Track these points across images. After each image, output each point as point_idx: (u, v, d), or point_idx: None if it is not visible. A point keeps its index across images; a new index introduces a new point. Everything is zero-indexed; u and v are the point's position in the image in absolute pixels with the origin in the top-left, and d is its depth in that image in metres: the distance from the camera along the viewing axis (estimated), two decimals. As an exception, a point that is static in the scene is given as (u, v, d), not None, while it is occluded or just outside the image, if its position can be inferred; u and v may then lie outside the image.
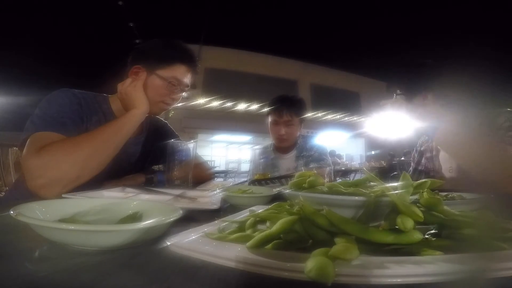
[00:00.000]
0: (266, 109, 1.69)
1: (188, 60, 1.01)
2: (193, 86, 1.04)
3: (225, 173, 7.36)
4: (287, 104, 1.59)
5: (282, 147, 1.66)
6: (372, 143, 12.59)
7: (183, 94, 1.04)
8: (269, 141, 1.81)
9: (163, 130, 1.19)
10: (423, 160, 1.24)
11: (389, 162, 6.92)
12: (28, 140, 0.74)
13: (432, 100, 0.98)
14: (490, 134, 0.84)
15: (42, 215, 0.36)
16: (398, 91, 1.06)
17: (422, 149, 1.26)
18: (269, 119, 1.65)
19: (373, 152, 11.68)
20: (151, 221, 0.32)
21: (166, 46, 1.01)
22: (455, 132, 0.85)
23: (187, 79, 1.02)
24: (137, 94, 0.91)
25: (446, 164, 1.07)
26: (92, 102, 0.93)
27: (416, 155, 1.30)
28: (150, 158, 1.12)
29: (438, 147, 1.14)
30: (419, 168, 1.24)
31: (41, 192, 0.67)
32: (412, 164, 1.32)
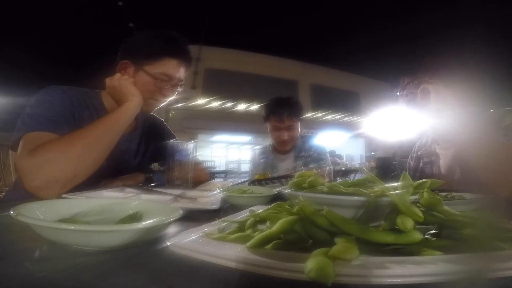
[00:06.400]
0: (264, 113, 1.65)
1: (179, 53, 0.94)
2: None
3: (225, 174, 7.36)
4: (287, 108, 1.57)
5: (284, 149, 1.66)
6: (372, 144, 12.58)
7: (178, 89, 0.98)
8: (268, 141, 1.81)
9: (160, 129, 1.17)
10: (420, 166, 1.20)
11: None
12: (21, 141, 0.73)
13: (443, 87, 0.96)
14: (497, 135, 0.83)
15: (42, 215, 0.36)
16: (400, 89, 1.04)
17: (419, 153, 1.22)
18: (269, 124, 1.63)
19: (373, 153, 11.68)
20: (151, 221, 0.32)
21: (154, 39, 0.93)
22: (460, 131, 0.84)
23: (180, 73, 0.95)
24: (128, 87, 0.87)
25: (452, 168, 1.05)
26: (83, 98, 0.90)
27: (411, 162, 1.26)
28: (148, 156, 1.11)
29: (437, 151, 1.12)
30: (417, 174, 1.19)
31: (39, 194, 0.66)
32: (407, 171, 1.27)
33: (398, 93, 1.06)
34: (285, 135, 1.58)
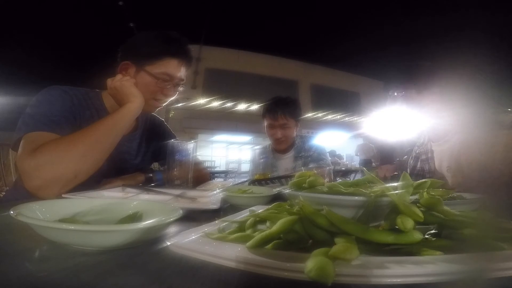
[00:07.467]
0: (262, 111, 1.68)
1: (180, 52, 0.94)
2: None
3: (225, 174, 7.35)
4: (281, 107, 1.59)
5: (279, 148, 1.67)
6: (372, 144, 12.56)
7: (179, 88, 0.98)
8: (268, 141, 1.81)
9: (160, 129, 1.17)
10: (418, 164, 1.23)
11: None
12: (22, 141, 0.73)
13: (439, 94, 0.96)
14: (496, 135, 0.83)
15: (42, 215, 0.36)
16: (396, 92, 1.05)
17: (417, 152, 1.25)
18: (265, 121, 1.65)
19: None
20: (151, 221, 0.32)
21: (154, 39, 0.93)
22: (459, 131, 0.84)
23: (180, 73, 0.95)
24: (129, 88, 0.87)
25: (443, 163, 1.07)
26: (84, 98, 0.90)
27: (411, 162, 1.28)
28: (148, 156, 1.11)
29: (433, 148, 1.13)
30: (415, 172, 1.22)
31: (39, 193, 0.66)
32: (408, 170, 1.29)
33: (395, 94, 1.07)
34: (279, 133, 1.59)
